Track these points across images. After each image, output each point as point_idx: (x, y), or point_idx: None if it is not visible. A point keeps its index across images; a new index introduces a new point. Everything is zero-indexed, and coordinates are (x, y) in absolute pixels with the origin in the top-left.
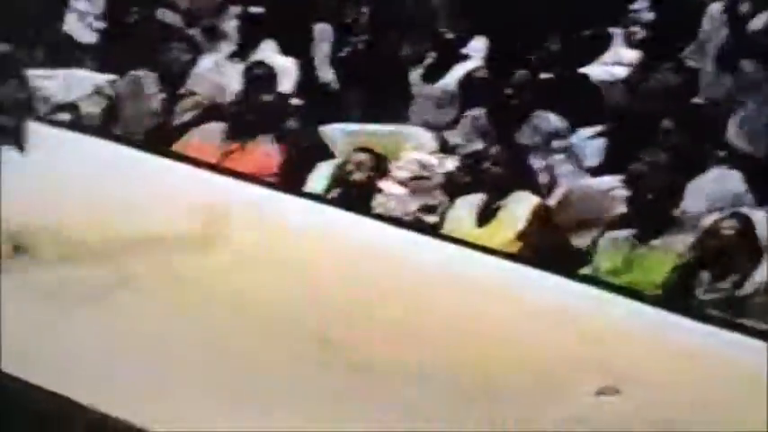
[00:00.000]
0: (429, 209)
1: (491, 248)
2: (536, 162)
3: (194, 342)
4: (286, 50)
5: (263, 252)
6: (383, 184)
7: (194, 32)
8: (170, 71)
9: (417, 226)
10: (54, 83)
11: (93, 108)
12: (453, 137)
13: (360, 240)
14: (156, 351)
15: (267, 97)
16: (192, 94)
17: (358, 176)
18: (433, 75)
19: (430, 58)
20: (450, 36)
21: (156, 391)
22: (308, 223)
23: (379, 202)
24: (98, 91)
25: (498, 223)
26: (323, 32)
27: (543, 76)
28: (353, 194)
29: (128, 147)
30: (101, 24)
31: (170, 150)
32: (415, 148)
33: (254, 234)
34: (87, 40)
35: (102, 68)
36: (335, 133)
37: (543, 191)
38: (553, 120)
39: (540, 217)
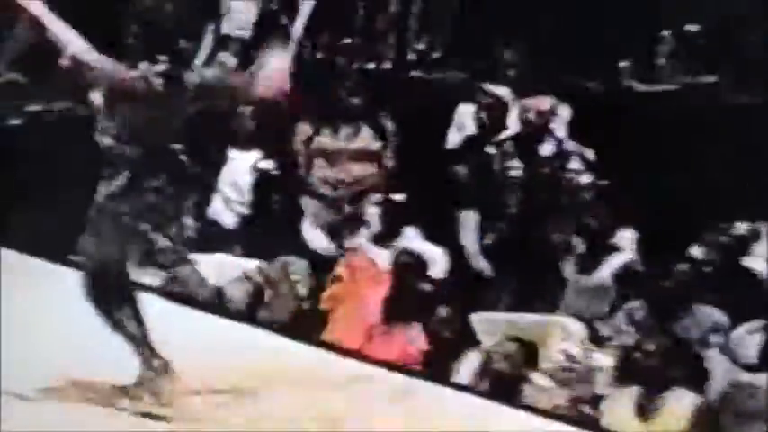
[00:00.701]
0: (578, 401)
1: None
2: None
3: None
4: (430, 237)
5: None
6: (533, 375)
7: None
8: (318, 257)
9: (575, 419)
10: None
11: (238, 292)
12: (604, 328)
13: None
14: None
15: (415, 284)
16: (339, 279)
17: (506, 366)
18: (586, 266)
19: (579, 247)
20: (597, 227)
21: None
22: (456, 413)
23: (528, 393)
24: (245, 276)
25: (662, 420)
26: (469, 220)
27: (705, 269)
28: (502, 384)
29: (271, 332)
30: (244, 210)
31: (313, 337)
32: (565, 339)
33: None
34: (232, 226)
35: (247, 254)
36: (484, 322)
37: (699, 385)
38: (716, 315)
39: (703, 415)
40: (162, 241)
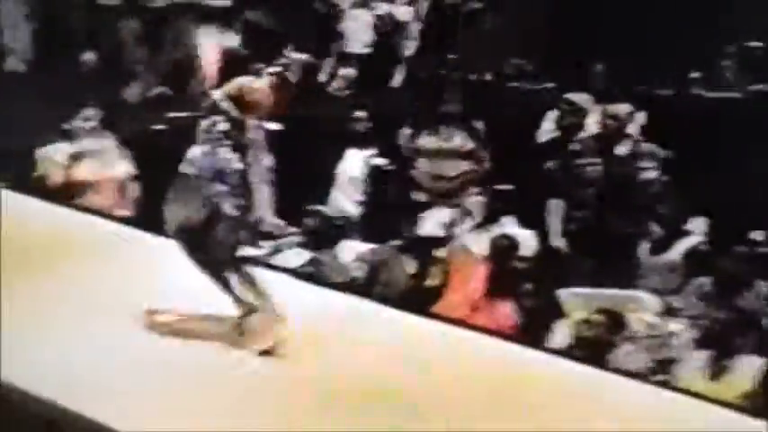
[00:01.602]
0: (660, 363)
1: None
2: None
3: None
4: (524, 223)
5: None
6: (619, 342)
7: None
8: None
9: (651, 379)
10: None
11: (355, 272)
12: (677, 301)
13: (596, 395)
14: None
15: (510, 263)
16: (442, 261)
17: (594, 334)
18: (660, 247)
19: (655, 232)
20: (669, 214)
21: None
22: (548, 375)
23: (616, 358)
24: (362, 258)
25: (731, 381)
26: (556, 207)
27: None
28: (592, 350)
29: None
30: (360, 200)
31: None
32: (643, 310)
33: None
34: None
35: (364, 238)
36: (570, 296)
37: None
38: None
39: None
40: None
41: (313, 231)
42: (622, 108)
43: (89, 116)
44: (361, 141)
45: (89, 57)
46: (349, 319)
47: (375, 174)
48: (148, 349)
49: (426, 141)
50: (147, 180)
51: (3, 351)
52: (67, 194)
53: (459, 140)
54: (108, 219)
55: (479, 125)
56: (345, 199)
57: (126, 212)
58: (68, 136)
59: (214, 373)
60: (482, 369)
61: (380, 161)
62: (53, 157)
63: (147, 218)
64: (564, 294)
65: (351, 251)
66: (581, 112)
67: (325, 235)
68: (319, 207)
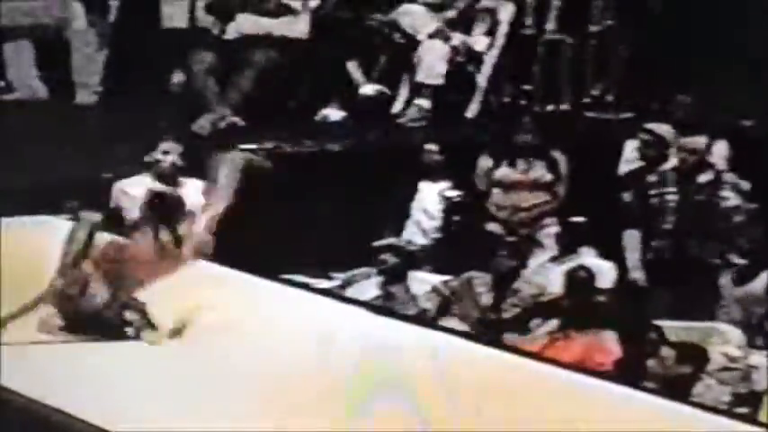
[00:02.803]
0: (738, 398)
1: None
2: None
3: None
4: (603, 254)
5: None
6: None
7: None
8: (499, 273)
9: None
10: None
11: (429, 305)
12: (760, 333)
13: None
14: None
15: (588, 295)
16: (518, 292)
17: (676, 368)
18: (742, 278)
19: (737, 262)
20: (751, 245)
21: None
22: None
23: (698, 392)
24: (434, 289)
25: None
26: (632, 238)
27: None
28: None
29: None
30: (439, 234)
31: (498, 341)
32: (724, 343)
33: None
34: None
35: (437, 270)
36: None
37: None
38: None
39: None
40: None
41: (386, 264)
42: (699, 141)
43: (168, 149)
44: (435, 173)
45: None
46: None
47: (450, 206)
48: None
49: (502, 173)
50: None
51: None
52: None
53: (537, 172)
54: None
55: (559, 156)
56: (419, 232)
57: None
58: (148, 168)
59: None
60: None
61: (453, 193)
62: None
63: None
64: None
65: (424, 283)
66: (663, 143)
67: (398, 268)
68: (393, 240)
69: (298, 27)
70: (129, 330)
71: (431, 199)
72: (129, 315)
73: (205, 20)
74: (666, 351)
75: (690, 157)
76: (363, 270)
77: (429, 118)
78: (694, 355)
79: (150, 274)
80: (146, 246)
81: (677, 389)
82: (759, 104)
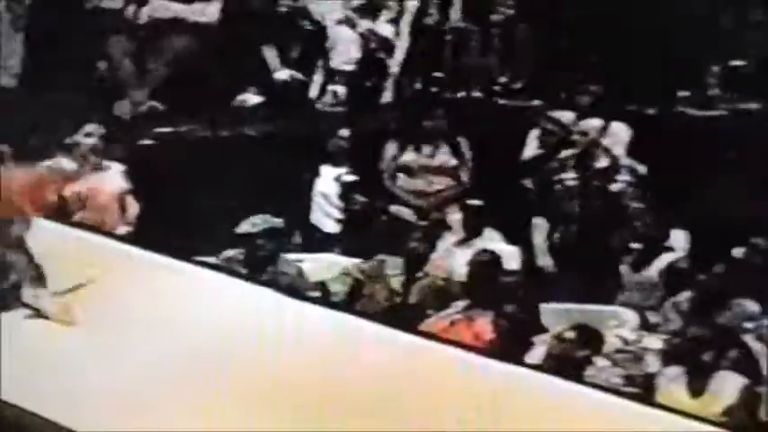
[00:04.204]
0: (631, 379)
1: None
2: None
3: None
4: (508, 238)
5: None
6: (595, 357)
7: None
8: (411, 257)
9: (629, 394)
10: (308, 265)
11: (340, 287)
12: (654, 317)
13: (573, 409)
14: None
15: (491, 279)
16: (427, 275)
17: (569, 350)
18: (639, 263)
19: (635, 248)
20: (647, 231)
21: None
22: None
23: (590, 373)
24: (345, 272)
25: (710, 398)
26: (539, 225)
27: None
28: (567, 365)
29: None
30: (341, 216)
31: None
32: (619, 326)
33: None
34: (332, 230)
35: (346, 253)
36: (550, 311)
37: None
38: (750, 306)
39: (749, 395)
40: None
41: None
42: (593, 124)
43: (91, 131)
44: (338, 158)
45: (101, 65)
46: (332, 333)
47: (347, 190)
48: None
49: (407, 158)
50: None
51: None
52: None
53: (443, 157)
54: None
55: (463, 142)
56: (323, 216)
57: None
58: (69, 150)
59: None
60: (461, 384)
61: (351, 177)
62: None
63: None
64: (544, 309)
65: (335, 266)
66: (565, 130)
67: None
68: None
69: (209, 12)
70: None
71: (329, 183)
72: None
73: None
74: (569, 334)
75: (583, 140)
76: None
77: (345, 103)
78: (592, 339)
79: None
80: None
81: (570, 370)
82: (661, 92)
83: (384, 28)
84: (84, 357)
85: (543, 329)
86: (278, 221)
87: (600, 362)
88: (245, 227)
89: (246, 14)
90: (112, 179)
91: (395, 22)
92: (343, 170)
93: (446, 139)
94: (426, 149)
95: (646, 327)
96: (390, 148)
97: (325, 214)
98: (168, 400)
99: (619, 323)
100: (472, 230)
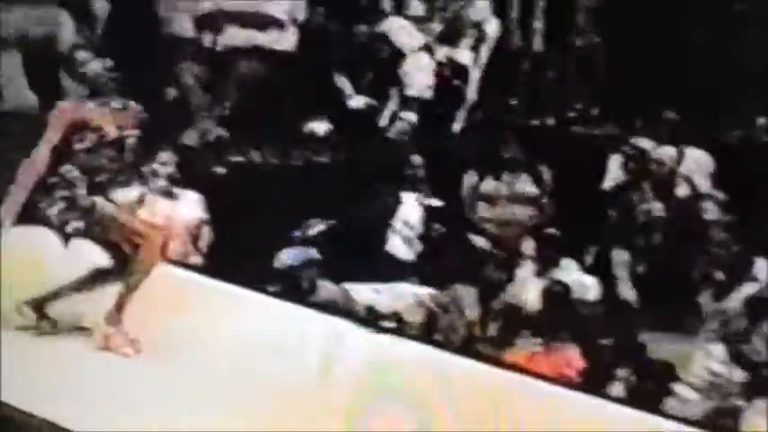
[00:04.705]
0: (721, 412)
1: None
2: None
3: None
4: (586, 269)
5: None
6: (678, 388)
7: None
8: (487, 287)
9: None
10: (380, 296)
11: (415, 317)
12: (741, 348)
13: None
14: None
15: (566, 310)
16: (503, 305)
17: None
18: (722, 294)
19: (718, 277)
20: (730, 260)
21: None
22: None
23: (671, 405)
24: (420, 303)
25: None
26: (621, 256)
27: None
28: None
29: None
30: (420, 244)
31: (488, 356)
32: (706, 357)
33: None
34: (408, 258)
35: (422, 282)
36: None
37: None
38: None
39: None
40: None
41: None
42: (668, 152)
43: (166, 160)
44: (417, 185)
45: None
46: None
47: (430, 215)
48: None
49: (487, 186)
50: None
51: None
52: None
53: (524, 186)
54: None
55: (544, 170)
56: (402, 243)
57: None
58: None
59: None
60: (543, 416)
61: (433, 201)
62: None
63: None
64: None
65: (409, 295)
66: (645, 158)
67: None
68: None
69: (286, 40)
70: None
71: (411, 209)
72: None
73: (195, 31)
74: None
75: (660, 169)
76: None
77: (415, 131)
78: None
79: None
80: None
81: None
82: (741, 119)
83: (463, 55)
84: (150, 385)
85: (625, 361)
86: (313, 252)
87: (685, 393)
88: (283, 260)
89: (323, 41)
90: (187, 208)
91: (475, 48)
92: (422, 196)
93: (527, 168)
94: (507, 178)
95: (731, 358)
96: (470, 177)
97: (405, 241)
98: (236, 424)
99: (705, 354)
100: (549, 260)
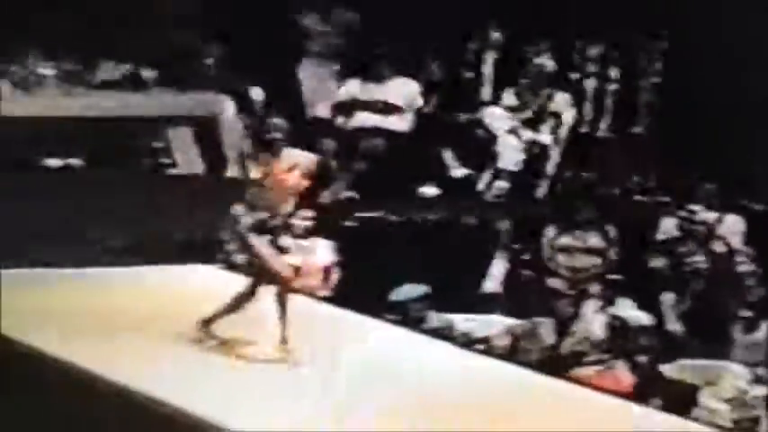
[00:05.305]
0: (738, 421)
1: None
2: None
3: None
4: (640, 306)
5: None
6: (704, 400)
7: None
8: (561, 319)
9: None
10: (473, 324)
11: (501, 342)
12: (762, 371)
13: None
14: None
15: (623, 339)
16: (573, 334)
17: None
18: (750, 327)
19: (747, 316)
20: (761, 302)
21: None
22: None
23: (698, 414)
24: (507, 330)
25: None
26: (669, 298)
27: None
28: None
29: (528, 370)
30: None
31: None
32: (735, 378)
33: None
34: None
35: (507, 314)
36: (676, 366)
37: None
38: None
39: None
40: None
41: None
42: (710, 216)
43: (307, 215)
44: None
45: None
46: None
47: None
48: None
49: (566, 241)
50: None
51: None
52: None
53: (594, 240)
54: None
55: (610, 228)
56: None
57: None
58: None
59: None
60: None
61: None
62: None
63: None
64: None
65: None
66: (691, 221)
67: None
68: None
69: (404, 123)
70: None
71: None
72: None
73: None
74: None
75: (701, 229)
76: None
77: (507, 196)
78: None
79: None
80: None
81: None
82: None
83: (544, 137)
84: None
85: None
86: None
87: (714, 404)
88: (400, 294)
89: (433, 124)
90: (322, 253)
91: (553, 131)
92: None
93: (597, 227)
94: (579, 234)
95: (756, 379)
96: (549, 232)
97: (497, 283)
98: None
99: (734, 376)
100: (608, 300)
